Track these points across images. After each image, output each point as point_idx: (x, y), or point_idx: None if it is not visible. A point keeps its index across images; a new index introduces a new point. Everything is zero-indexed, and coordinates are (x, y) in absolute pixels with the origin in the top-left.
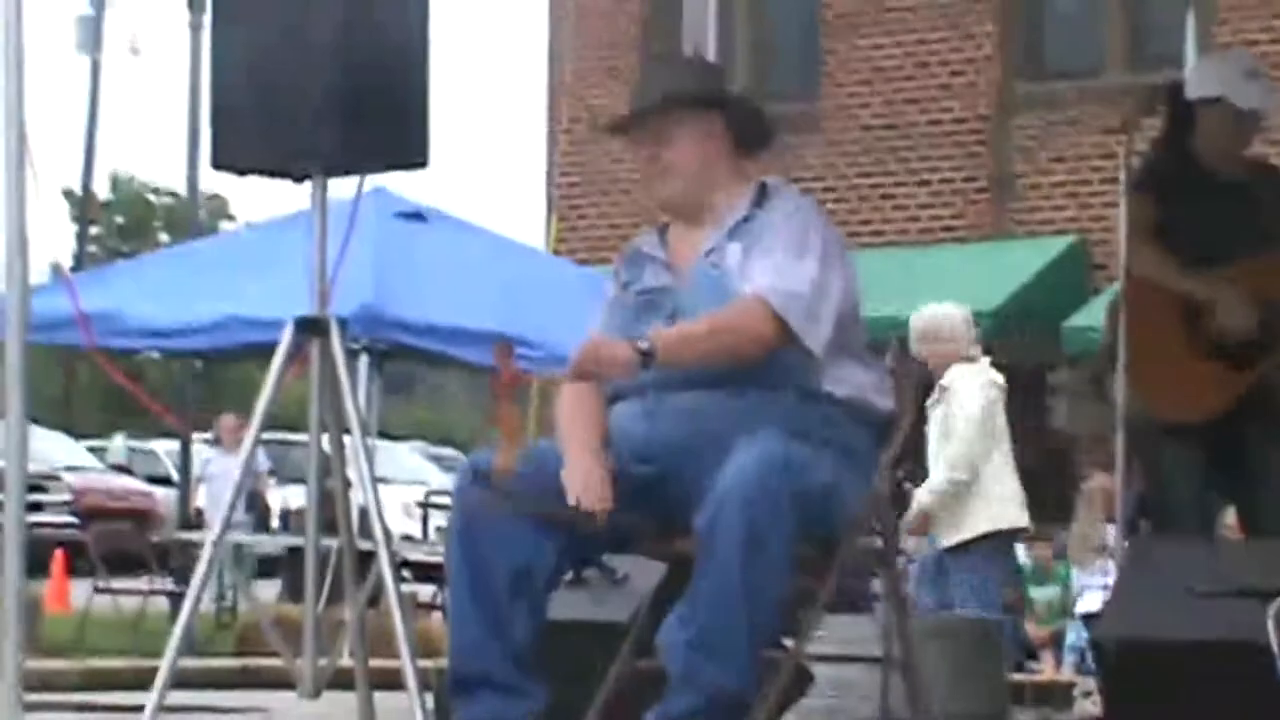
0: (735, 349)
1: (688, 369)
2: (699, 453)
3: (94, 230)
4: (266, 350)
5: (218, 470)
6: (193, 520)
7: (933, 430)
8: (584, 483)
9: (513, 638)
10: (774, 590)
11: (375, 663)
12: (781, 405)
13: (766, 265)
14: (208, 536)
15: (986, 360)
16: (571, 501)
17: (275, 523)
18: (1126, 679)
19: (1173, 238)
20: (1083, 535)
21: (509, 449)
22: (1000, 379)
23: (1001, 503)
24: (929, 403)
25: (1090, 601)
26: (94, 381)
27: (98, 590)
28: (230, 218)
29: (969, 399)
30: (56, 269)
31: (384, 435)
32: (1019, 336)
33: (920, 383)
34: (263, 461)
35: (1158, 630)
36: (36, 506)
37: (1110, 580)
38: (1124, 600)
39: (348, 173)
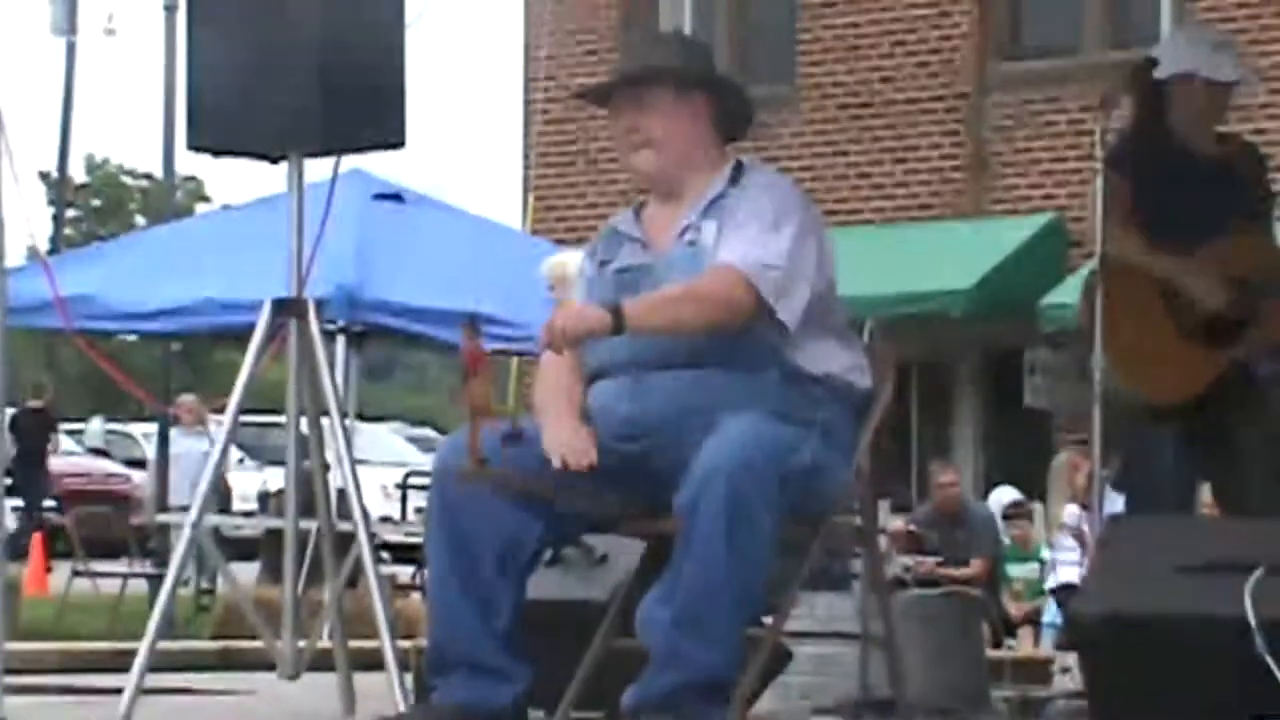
0: (706, 315)
1: (659, 334)
2: (680, 431)
3: (70, 213)
4: (245, 332)
5: (178, 450)
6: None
7: None
8: (566, 441)
9: (497, 618)
10: (756, 569)
11: (354, 643)
12: (762, 383)
13: (740, 238)
14: (185, 519)
15: None
16: (556, 462)
17: (238, 505)
18: (1106, 654)
19: (1149, 216)
20: (1052, 513)
21: (476, 429)
22: None
23: None
24: None
25: (1061, 576)
26: (70, 365)
27: (76, 574)
28: (206, 200)
29: None
30: (33, 252)
31: (362, 417)
32: (997, 314)
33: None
34: None
35: (1137, 605)
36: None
37: (1078, 556)
38: (1103, 575)
39: (325, 154)
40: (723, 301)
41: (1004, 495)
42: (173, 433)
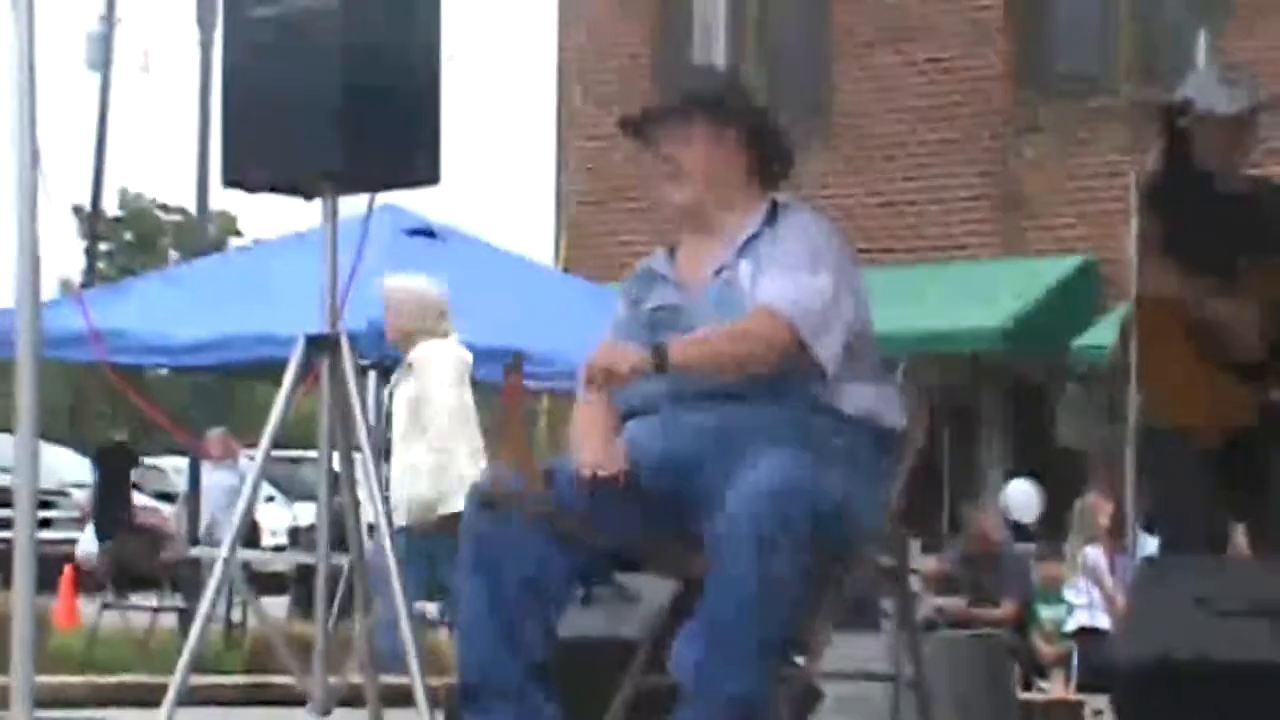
0: (746, 357)
1: (698, 376)
2: (713, 467)
3: (103, 247)
4: (276, 367)
5: (207, 483)
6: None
7: (400, 409)
8: (598, 451)
9: (527, 653)
10: (785, 605)
11: (385, 679)
12: (794, 421)
13: (778, 280)
14: (219, 553)
15: (455, 336)
16: (585, 472)
17: (267, 540)
18: (1140, 699)
19: (1181, 253)
20: (1072, 555)
21: (525, 465)
22: (469, 357)
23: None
24: (394, 379)
25: (1079, 619)
26: (99, 398)
27: (106, 606)
28: (239, 234)
29: (443, 374)
30: (65, 285)
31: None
32: (1028, 354)
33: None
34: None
35: (1171, 649)
36: (45, 523)
37: (1091, 598)
38: (1137, 619)
39: (358, 190)
40: (764, 343)
41: (1018, 488)
42: (202, 465)
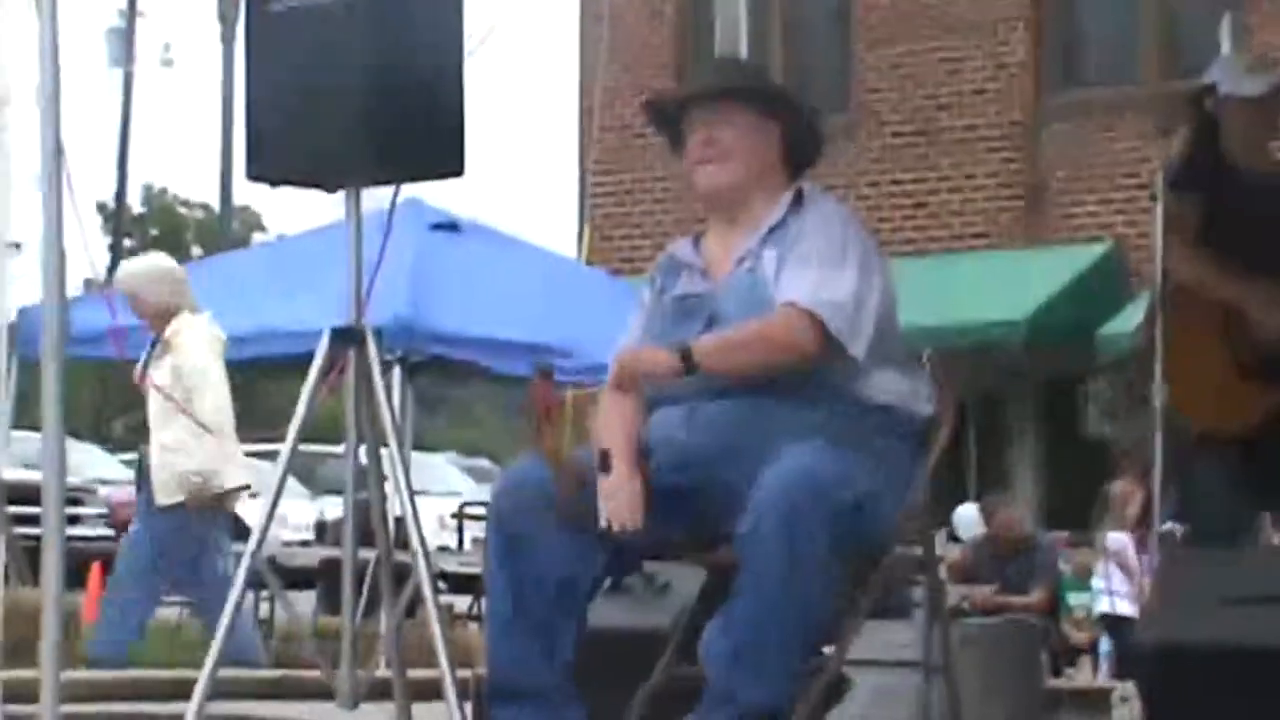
0: (776, 360)
1: (727, 376)
2: (739, 460)
3: (127, 243)
4: (301, 362)
5: None
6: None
7: (160, 386)
8: (621, 501)
9: (556, 648)
10: (814, 602)
11: (413, 673)
12: (822, 413)
13: (805, 275)
14: (246, 549)
15: (208, 314)
16: (603, 523)
17: (292, 535)
18: (1166, 685)
19: (1208, 240)
20: (1101, 541)
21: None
22: (223, 335)
23: (231, 460)
24: (144, 357)
25: (1108, 606)
26: (123, 396)
27: None
28: (263, 229)
29: (208, 348)
30: (90, 283)
31: (417, 448)
32: (1054, 343)
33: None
34: None
35: (1196, 636)
36: (73, 520)
37: (1125, 586)
38: (1162, 605)
39: (383, 183)
40: (794, 346)
41: (966, 511)
42: None
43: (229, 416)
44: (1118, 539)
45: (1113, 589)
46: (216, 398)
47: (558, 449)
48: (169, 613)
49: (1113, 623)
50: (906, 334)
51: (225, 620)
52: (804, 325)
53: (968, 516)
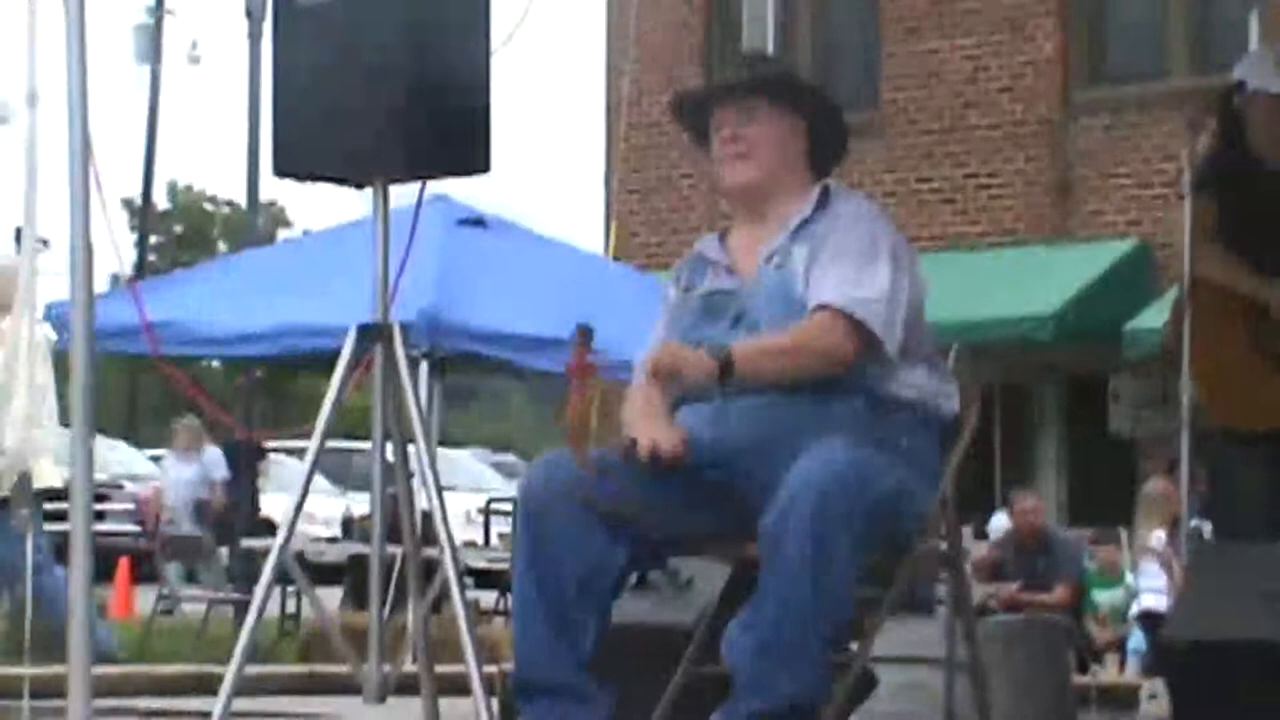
0: (814, 367)
1: (765, 383)
2: (767, 456)
3: (153, 240)
4: (328, 358)
5: (174, 475)
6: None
7: None
8: (658, 430)
9: (581, 642)
10: (841, 595)
11: (440, 668)
12: (850, 409)
13: (838, 275)
14: (274, 544)
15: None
16: (644, 452)
17: (320, 530)
18: (1195, 681)
19: (1235, 237)
20: (1139, 539)
21: (581, 443)
22: (53, 335)
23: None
24: None
25: (1146, 603)
26: (150, 392)
27: (162, 597)
28: (289, 225)
29: (32, 349)
30: (117, 278)
31: (444, 443)
32: (1081, 339)
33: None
34: (219, 470)
35: (1225, 632)
36: (100, 515)
37: (1163, 583)
38: (1192, 602)
39: (409, 179)
40: (833, 352)
41: (998, 522)
42: (166, 456)
43: (48, 417)
44: (1159, 537)
45: (1150, 587)
46: (34, 398)
47: (584, 415)
48: (195, 610)
49: (1152, 620)
50: (934, 330)
51: (252, 615)
52: (843, 331)
53: (999, 525)
